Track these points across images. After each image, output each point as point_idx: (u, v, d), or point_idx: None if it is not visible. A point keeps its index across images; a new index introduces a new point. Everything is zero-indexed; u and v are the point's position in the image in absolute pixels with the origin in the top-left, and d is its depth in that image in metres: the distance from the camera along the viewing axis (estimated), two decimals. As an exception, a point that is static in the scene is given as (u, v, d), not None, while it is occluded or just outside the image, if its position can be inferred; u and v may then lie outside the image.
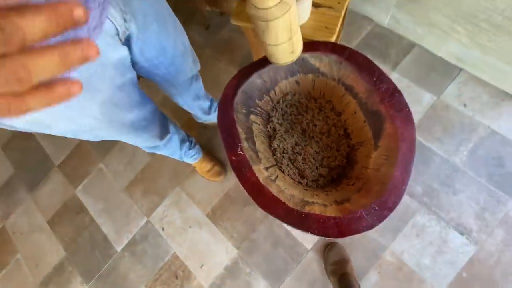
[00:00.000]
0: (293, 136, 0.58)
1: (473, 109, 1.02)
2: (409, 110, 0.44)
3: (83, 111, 0.44)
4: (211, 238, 1.11)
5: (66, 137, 1.18)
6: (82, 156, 1.36)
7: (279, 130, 0.58)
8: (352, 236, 0.96)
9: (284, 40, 0.42)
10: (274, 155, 0.57)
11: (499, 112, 1.00)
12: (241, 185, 0.46)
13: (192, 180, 1.19)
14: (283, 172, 0.55)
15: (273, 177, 0.50)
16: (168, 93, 0.78)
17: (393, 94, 0.45)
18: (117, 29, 0.42)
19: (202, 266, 1.08)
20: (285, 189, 0.48)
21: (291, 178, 0.54)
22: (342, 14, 0.68)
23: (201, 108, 0.96)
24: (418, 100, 1.07)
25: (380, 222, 0.39)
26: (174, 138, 0.84)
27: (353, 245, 0.97)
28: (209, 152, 1.17)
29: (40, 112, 0.38)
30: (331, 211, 0.42)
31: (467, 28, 0.92)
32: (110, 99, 0.47)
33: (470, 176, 0.96)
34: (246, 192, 0.46)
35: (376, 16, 1.16)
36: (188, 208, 1.16)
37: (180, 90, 0.76)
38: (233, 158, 0.47)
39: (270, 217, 1.07)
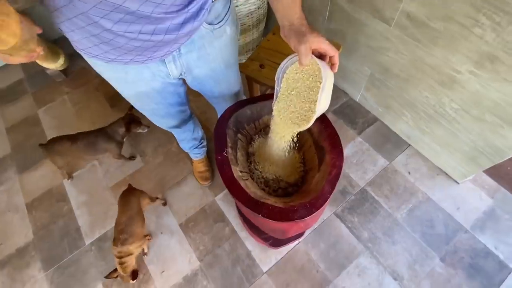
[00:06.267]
0: (265, 156, 0.78)
1: (415, 177, 1.27)
2: (341, 147, 0.66)
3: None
4: (178, 247, 1.19)
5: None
6: (80, 151, 1.49)
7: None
8: (302, 264, 1.09)
9: None
10: (249, 166, 0.76)
11: (434, 183, 1.24)
12: (220, 177, 0.64)
13: (175, 190, 1.33)
14: (253, 178, 0.73)
15: (244, 178, 0.68)
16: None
17: (333, 136, 0.67)
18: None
19: (162, 272, 1.15)
20: (250, 187, 0.66)
21: (258, 184, 0.72)
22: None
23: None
24: (374, 162, 1.32)
25: (308, 215, 0.57)
26: (188, 132, 1.07)
27: (303, 272, 1.09)
28: (208, 159, 1.35)
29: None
30: (278, 205, 0.60)
31: (411, 114, 1.22)
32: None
33: (407, 231, 1.15)
34: (223, 183, 0.64)
35: (350, 92, 1.49)
36: (165, 216, 1.27)
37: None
38: (219, 157, 0.66)
39: (236, 236, 1.18)
